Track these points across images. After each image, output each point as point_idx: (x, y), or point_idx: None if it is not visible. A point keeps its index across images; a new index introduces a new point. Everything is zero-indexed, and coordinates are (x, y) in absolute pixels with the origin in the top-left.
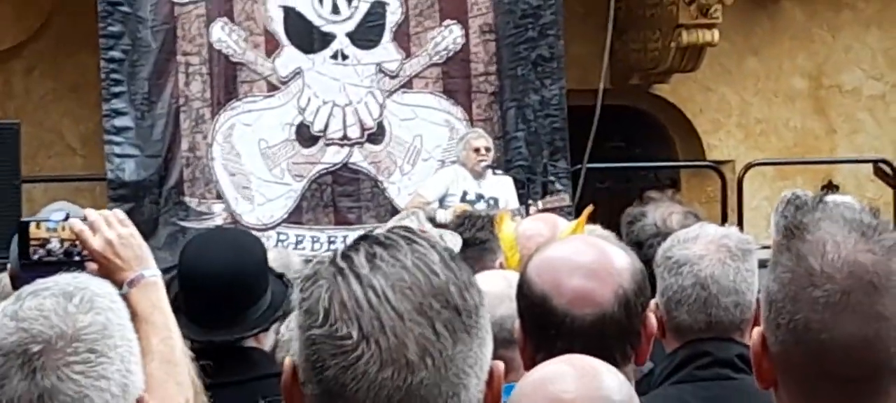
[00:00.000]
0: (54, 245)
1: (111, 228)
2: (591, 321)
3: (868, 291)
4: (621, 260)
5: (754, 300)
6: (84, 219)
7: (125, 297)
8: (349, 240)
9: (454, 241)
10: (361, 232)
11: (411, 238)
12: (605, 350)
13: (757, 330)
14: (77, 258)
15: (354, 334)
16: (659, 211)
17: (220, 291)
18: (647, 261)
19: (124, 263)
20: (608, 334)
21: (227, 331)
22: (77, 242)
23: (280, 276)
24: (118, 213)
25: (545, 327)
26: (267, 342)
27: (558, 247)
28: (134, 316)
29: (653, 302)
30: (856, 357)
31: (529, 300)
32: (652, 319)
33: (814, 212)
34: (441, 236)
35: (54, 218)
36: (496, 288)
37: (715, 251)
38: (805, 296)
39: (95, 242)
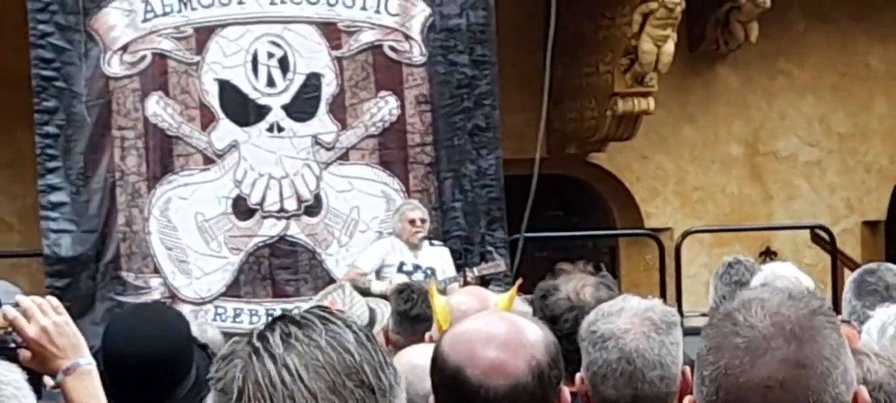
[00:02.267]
0: None
1: (46, 316)
2: (504, 391)
3: (788, 339)
4: (534, 332)
5: (679, 373)
6: (16, 305)
7: (60, 385)
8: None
9: (383, 310)
10: (292, 306)
11: (326, 317)
12: None
13: (687, 399)
14: (12, 345)
15: None
16: (571, 283)
17: (145, 372)
18: (565, 336)
19: (60, 351)
20: None
21: None
22: (10, 330)
23: (204, 347)
24: (52, 301)
25: (460, 399)
26: None
27: (471, 321)
28: None
29: (578, 376)
30: (772, 400)
31: (444, 373)
32: (566, 393)
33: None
34: (369, 304)
35: None
36: (427, 361)
37: (639, 324)
38: (728, 344)
39: (30, 330)
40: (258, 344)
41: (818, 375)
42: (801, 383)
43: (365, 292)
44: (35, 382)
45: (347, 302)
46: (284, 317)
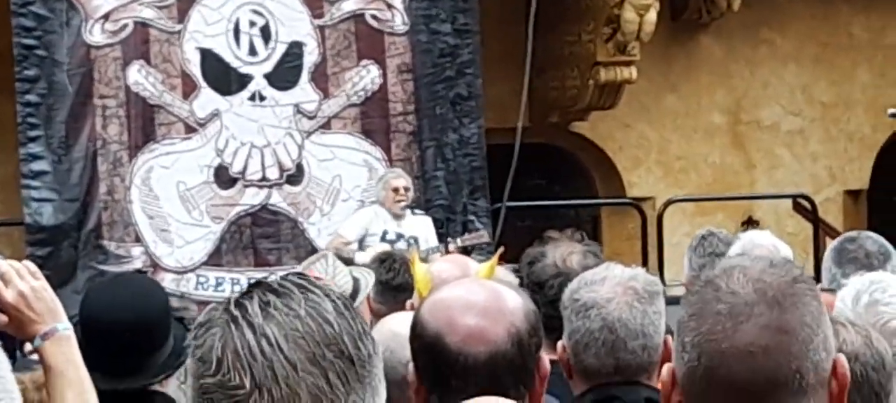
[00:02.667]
0: None
1: (23, 280)
2: (484, 359)
3: (770, 305)
4: (514, 300)
5: (661, 342)
6: None
7: (38, 350)
8: None
9: (367, 279)
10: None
11: (305, 286)
12: (498, 388)
13: (667, 366)
14: None
15: (247, 383)
16: (558, 251)
17: (123, 338)
18: (550, 302)
19: (37, 316)
20: (501, 372)
21: (132, 378)
22: None
23: (180, 320)
24: (29, 265)
25: (439, 366)
26: (169, 386)
27: (451, 288)
28: (47, 370)
29: (560, 344)
30: (754, 365)
31: (423, 340)
32: (545, 361)
33: (704, 251)
34: (353, 273)
35: None
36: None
37: (622, 293)
38: (709, 310)
39: (8, 294)
40: (236, 313)
41: (800, 341)
42: (782, 349)
43: (348, 261)
44: (9, 348)
45: (331, 271)
46: (262, 284)
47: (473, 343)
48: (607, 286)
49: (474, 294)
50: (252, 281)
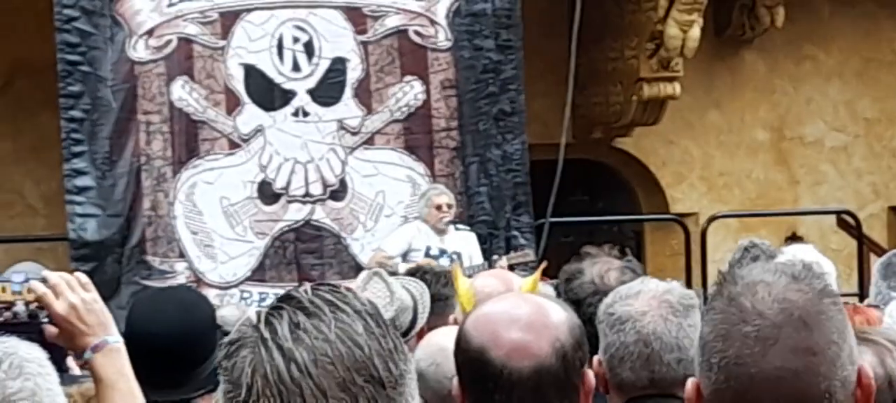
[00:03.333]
0: (20, 308)
1: (74, 292)
2: (528, 373)
3: (798, 327)
4: (558, 314)
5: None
6: (44, 281)
7: (89, 363)
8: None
9: (421, 291)
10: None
11: (336, 304)
12: None
13: (690, 381)
14: (45, 320)
15: None
16: (596, 267)
17: (167, 351)
18: (588, 319)
19: (88, 329)
20: (545, 386)
21: (175, 391)
22: (39, 306)
23: (225, 332)
24: (81, 277)
25: (483, 380)
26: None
27: (495, 303)
28: (98, 382)
29: (595, 359)
30: (786, 390)
31: (467, 354)
32: (590, 375)
33: (747, 263)
34: (412, 294)
35: (15, 279)
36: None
37: (657, 307)
38: (736, 333)
39: (59, 306)
40: (266, 334)
41: (828, 360)
42: (812, 370)
43: (391, 275)
44: (59, 360)
45: (385, 293)
46: (292, 299)
47: (518, 358)
48: (642, 299)
49: (518, 308)
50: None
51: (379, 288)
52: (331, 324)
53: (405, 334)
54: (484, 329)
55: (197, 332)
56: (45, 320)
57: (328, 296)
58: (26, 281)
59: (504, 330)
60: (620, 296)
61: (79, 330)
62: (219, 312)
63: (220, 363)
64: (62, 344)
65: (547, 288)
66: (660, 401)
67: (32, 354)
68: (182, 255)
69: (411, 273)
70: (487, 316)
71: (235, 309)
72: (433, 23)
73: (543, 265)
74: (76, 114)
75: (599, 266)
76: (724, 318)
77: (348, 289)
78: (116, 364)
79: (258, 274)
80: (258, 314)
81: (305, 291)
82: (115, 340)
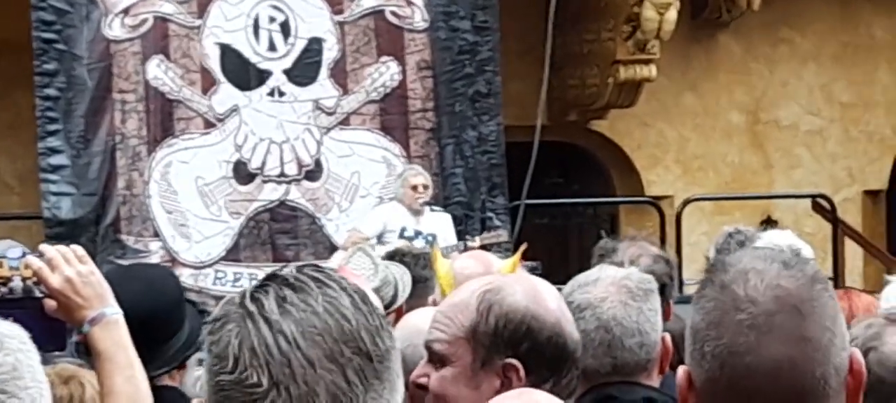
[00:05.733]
0: (17, 283)
1: (70, 265)
2: None
3: (792, 314)
4: (551, 293)
5: (658, 339)
6: (40, 255)
7: (86, 336)
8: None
9: (401, 274)
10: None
11: (321, 280)
12: None
13: (681, 369)
14: (39, 295)
15: (264, 382)
16: (630, 250)
17: (132, 327)
18: None
19: (85, 301)
20: None
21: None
22: (36, 280)
23: (201, 311)
24: (77, 249)
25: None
26: (188, 377)
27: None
28: (97, 355)
29: None
30: (781, 379)
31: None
32: None
33: (736, 251)
34: (394, 274)
35: (11, 255)
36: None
37: (616, 292)
38: (729, 321)
39: (54, 280)
40: (252, 308)
41: (823, 348)
42: (807, 358)
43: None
44: (60, 332)
45: (370, 268)
46: (277, 277)
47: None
48: (600, 286)
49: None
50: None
51: (363, 261)
52: (318, 298)
53: (385, 309)
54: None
55: (162, 308)
56: (41, 294)
57: (314, 274)
58: (23, 255)
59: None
60: (578, 284)
61: (75, 303)
62: None
63: (205, 337)
64: (61, 318)
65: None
66: (623, 388)
67: (13, 331)
68: (156, 235)
69: (390, 256)
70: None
71: None
72: (410, 3)
73: (524, 247)
74: (51, 92)
75: (633, 249)
76: (716, 306)
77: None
78: (114, 336)
79: (233, 254)
80: (243, 292)
81: (290, 270)
82: (114, 312)
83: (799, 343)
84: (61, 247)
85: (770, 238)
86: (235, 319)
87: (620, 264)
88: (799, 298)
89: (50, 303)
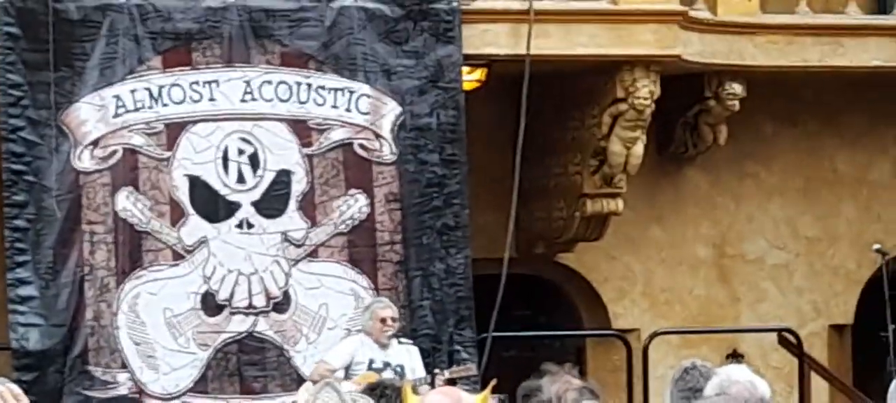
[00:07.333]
0: None
1: None
2: None
3: None
4: None
5: None
6: None
7: None
8: None
9: None
10: None
11: None
12: None
13: None
14: None
15: None
16: (555, 386)
17: None
18: None
19: None
20: None
21: None
22: None
23: None
24: (12, 388)
25: None
26: None
27: None
28: None
29: None
30: None
31: None
32: None
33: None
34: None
35: None
36: None
37: None
38: None
39: None
40: None
41: None
42: None
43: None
44: None
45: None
46: None
47: None
48: None
49: None
50: None
51: (331, 397)
52: None
53: None
54: None
55: None
56: None
57: None
58: None
59: None
60: None
61: None
62: None
63: None
64: None
65: None
66: None
67: None
68: (124, 366)
69: (372, 388)
70: None
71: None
72: (378, 136)
73: (493, 382)
74: (20, 223)
75: (559, 384)
76: None
77: None
78: None
79: (201, 386)
80: None
81: None
82: None
83: None
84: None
85: (726, 374)
86: None
87: (549, 402)
88: None
89: None
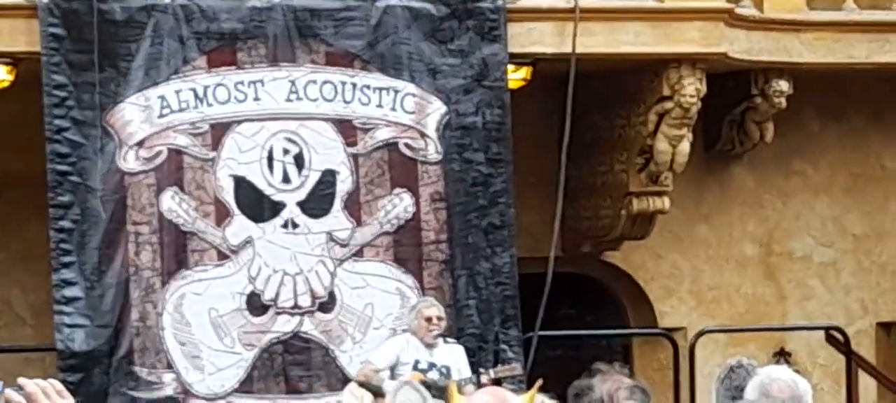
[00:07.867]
0: None
1: (50, 400)
2: None
3: None
4: None
5: None
6: (20, 388)
7: None
8: None
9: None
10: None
11: None
12: None
13: None
14: None
15: None
16: (606, 385)
17: None
18: None
19: None
20: None
21: None
22: None
23: None
24: (55, 384)
25: None
26: None
27: None
28: None
29: None
30: None
31: None
32: None
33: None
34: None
35: None
36: None
37: None
38: None
39: None
40: None
41: None
42: None
43: (378, 390)
44: None
45: (419, 398)
46: None
47: None
48: None
49: None
50: None
51: (412, 395)
52: None
53: None
54: None
55: None
56: None
57: None
58: (2, 389)
59: None
60: None
61: None
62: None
63: None
64: None
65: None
66: None
67: None
68: (170, 366)
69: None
70: None
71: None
72: (423, 135)
73: (540, 382)
74: (65, 224)
75: (609, 384)
76: None
77: None
78: None
79: (246, 386)
80: None
81: None
82: None
83: None
84: (40, 381)
85: (767, 373)
86: None
87: (600, 401)
88: None
89: None
